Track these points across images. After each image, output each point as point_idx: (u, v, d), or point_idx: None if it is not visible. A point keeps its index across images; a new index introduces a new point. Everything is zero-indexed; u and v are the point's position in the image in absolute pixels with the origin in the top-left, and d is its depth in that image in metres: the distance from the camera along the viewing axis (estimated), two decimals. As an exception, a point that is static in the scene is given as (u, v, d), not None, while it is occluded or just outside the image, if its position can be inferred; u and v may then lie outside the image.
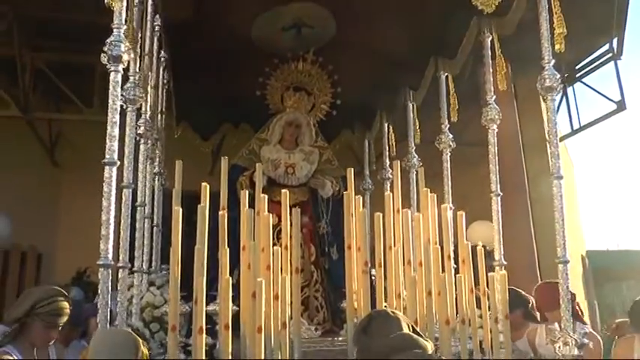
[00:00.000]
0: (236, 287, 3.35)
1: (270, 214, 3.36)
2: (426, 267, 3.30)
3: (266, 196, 3.50)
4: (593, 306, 9.64)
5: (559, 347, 3.05)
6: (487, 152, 3.96)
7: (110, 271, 2.84)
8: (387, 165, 5.30)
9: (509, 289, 3.99)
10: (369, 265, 3.28)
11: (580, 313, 4.14)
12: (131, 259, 3.85)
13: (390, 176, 5.04)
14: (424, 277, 3.20)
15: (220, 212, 3.40)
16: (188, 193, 3.49)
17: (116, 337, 2.39)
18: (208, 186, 3.41)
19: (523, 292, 4.30)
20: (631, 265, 11.96)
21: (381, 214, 3.41)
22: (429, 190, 3.63)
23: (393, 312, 2.60)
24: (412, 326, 2.58)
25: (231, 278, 3.34)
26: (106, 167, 2.90)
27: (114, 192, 2.89)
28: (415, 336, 2.48)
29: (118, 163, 2.94)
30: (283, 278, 3.01)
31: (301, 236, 4.39)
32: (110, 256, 2.83)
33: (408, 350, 2.38)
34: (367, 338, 2.47)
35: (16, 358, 2.87)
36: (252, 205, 3.46)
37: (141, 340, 2.47)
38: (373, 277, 3.51)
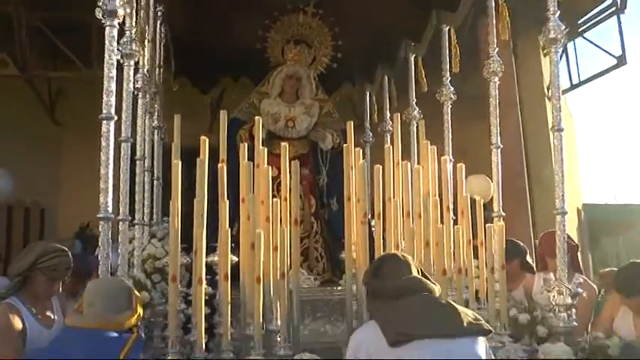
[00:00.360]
0: (236, 239, 3.40)
1: (270, 167, 3.37)
2: (425, 218, 3.33)
3: (265, 149, 3.51)
4: (587, 258, 9.75)
5: (553, 296, 3.10)
6: (484, 107, 3.94)
7: (110, 224, 2.86)
8: (388, 117, 5.28)
9: (507, 240, 4.05)
10: (369, 216, 3.31)
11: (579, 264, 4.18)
12: (132, 213, 3.90)
13: (391, 129, 5.03)
14: (422, 228, 3.23)
15: (219, 165, 3.42)
16: (188, 148, 3.50)
17: (110, 284, 2.41)
18: (207, 140, 3.42)
19: (521, 243, 4.34)
20: (627, 218, 12.03)
21: (381, 167, 3.42)
22: (428, 142, 3.64)
23: (403, 255, 2.65)
24: (421, 270, 2.63)
25: (231, 230, 3.40)
26: (104, 122, 2.91)
27: (112, 146, 2.90)
28: (424, 279, 2.54)
29: (116, 117, 2.95)
30: (282, 229, 3.02)
31: (301, 188, 4.42)
32: (110, 209, 2.86)
33: (417, 293, 2.44)
34: (378, 281, 2.53)
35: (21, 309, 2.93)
36: (252, 158, 3.48)
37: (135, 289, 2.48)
38: (373, 229, 3.54)
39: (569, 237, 3.43)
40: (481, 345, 2.41)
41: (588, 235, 10.54)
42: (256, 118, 3.71)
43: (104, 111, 2.89)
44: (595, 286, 4.25)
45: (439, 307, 2.43)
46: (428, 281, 2.54)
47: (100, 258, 2.88)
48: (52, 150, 8.19)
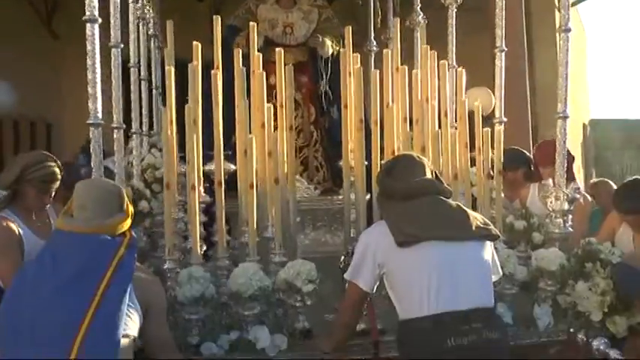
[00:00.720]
0: (234, 147, 3.36)
1: (264, 72, 3.29)
2: (422, 124, 3.27)
3: (261, 55, 3.41)
4: (591, 173, 9.67)
5: (551, 202, 3.07)
6: (488, 19, 3.78)
7: (100, 130, 2.82)
8: (391, 24, 5.10)
9: (512, 148, 3.99)
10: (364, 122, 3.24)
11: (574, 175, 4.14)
12: (130, 122, 3.87)
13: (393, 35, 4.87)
14: (418, 134, 3.17)
15: (213, 71, 3.34)
16: (185, 60, 3.40)
17: (101, 187, 2.31)
18: (205, 48, 3.33)
19: (526, 152, 4.28)
20: (636, 135, 11.83)
21: (378, 72, 3.31)
22: (428, 47, 3.52)
23: (418, 157, 2.60)
24: (435, 173, 2.59)
25: (231, 138, 3.37)
26: (87, 24, 2.80)
27: (97, 50, 2.81)
28: (437, 181, 2.51)
29: (100, 20, 2.83)
30: (274, 135, 2.97)
31: (301, 96, 4.34)
32: (100, 115, 2.80)
33: (429, 195, 2.41)
34: (390, 180, 2.49)
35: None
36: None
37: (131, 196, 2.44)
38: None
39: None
40: (488, 249, 2.42)
41: (594, 150, 10.41)
42: (251, 23, 3.58)
43: (87, 13, 2.78)
44: (589, 197, 4.22)
45: (449, 210, 2.41)
46: (441, 184, 2.52)
47: (92, 165, 2.85)
48: (53, 64, 8.03)
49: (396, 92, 3.37)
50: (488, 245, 2.42)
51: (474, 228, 2.36)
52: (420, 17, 4.66)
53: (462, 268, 2.29)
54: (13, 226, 2.83)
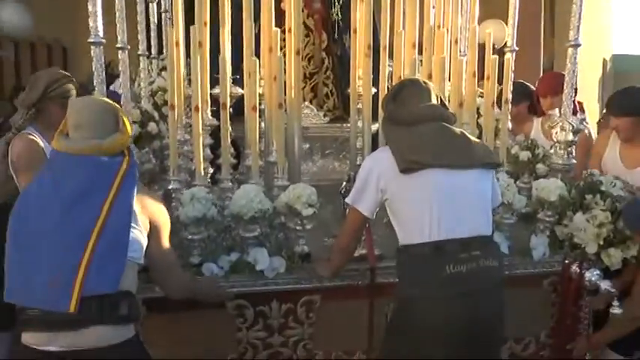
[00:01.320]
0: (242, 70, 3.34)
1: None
2: (430, 51, 3.21)
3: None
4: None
5: (556, 132, 3.04)
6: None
7: (101, 49, 2.79)
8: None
9: (516, 82, 3.94)
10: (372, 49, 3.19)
11: (579, 109, 4.08)
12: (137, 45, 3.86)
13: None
14: (425, 60, 3.12)
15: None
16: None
17: (95, 106, 2.22)
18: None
19: (530, 86, 4.21)
20: None
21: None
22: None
23: (425, 82, 2.56)
24: (441, 99, 2.56)
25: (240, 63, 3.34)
26: None
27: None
28: (443, 108, 2.49)
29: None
30: (277, 59, 2.94)
31: (313, 22, 4.27)
32: (101, 33, 2.77)
33: (433, 121, 2.40)
34: (395, 105, 2.47)
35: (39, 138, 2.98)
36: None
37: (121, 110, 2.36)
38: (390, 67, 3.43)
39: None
40: (489, 177, 2.43)
41: (613, 86, 10.18)
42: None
43: None
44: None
45: (453, 137, 2.39)
46: (446, 110, 2.50)
47: (95, 84, 2.86)
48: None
49: (406, 18, 3.30)
50: (490, 173, 2.43)
51: (476, 156, 2.37)
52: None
53: (464, 195, 2.31)
54: (40, 141, 2.94)
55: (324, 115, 4.18)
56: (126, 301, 2.03)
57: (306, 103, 4.10)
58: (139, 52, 3.93)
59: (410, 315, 2.29)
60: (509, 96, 3.28)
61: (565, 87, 3.02)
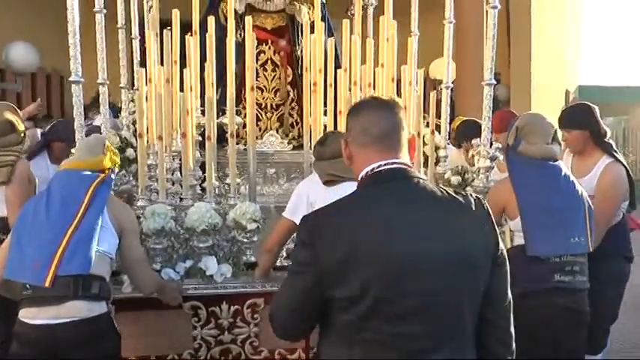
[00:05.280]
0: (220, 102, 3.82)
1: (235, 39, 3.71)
2: (374, 88, 3.71)
3: (249, 18, 3.81)
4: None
5: (477, 159, 3.48)
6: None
7: (80, 87, 3.29)
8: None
9: (470, 119, 4.42)
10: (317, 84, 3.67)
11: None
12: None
13: (374, 2, 5.20)
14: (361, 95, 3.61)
15: (187, 36, 3.78)
16: (183, 21, 3.86)
17: (91, 138, 2.94)
18: (179, 12, 3.78)
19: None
20: (622, 100, 11.98)
21: (333, 39, 3.74)
22: (387, 17, 3.91)
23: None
24: None
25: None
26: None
27: (77, 17, 3.25)
28: None
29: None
30: (232, 94, 3.42)
31: (279, 58, 4.75)
32: (80, 73, 3.27)
33: None
34: (322, 147, 3.06)
35: None
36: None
37: (108, 141, 2.95)
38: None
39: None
40: None
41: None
42: (228, -8, 4.01)
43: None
44: None
45: None
46: None
47: (74, 116, 3.33)
48: (61, 18, 8.53)
49: (351, 58, 3.79)
50: None
51: None
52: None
53: None
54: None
55: (289, 143, 4.63)
56: (97, 283, 2.55)
57: (273, 131, 4.54)
58: (121, 85, 4.40)
59: None
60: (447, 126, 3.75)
61: (482, 120, 3.47)
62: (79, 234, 2.55)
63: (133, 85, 4.75)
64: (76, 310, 2.46)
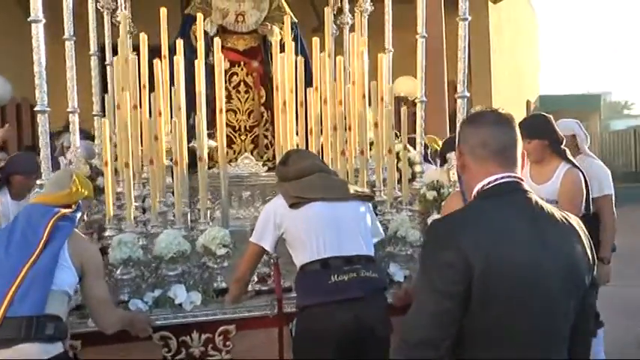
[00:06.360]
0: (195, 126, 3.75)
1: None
2: (345, 104, 3.66)
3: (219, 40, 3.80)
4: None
5: (453, 173, 3.43)
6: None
7: (47, 116, 3.22)
8: (347, 9, 5.39)
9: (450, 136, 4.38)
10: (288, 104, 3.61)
11: None
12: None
13: (350, 21, 5.17)
14: (333, 114, 3.55)
15: (155, 60, 3.71)
16: (155, 46, 3.80)
17: (59, 172, 2.94)
18: (146, 36, 3.72)
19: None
20: (581, 108, 12.17)
21: (302, 58, 3.70)
22: (356, 35, 3.89)
23: (307, 150, 3.22)
24: (322, 161, 3.20)
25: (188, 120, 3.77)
26: (32, 25, 3.19)
27: (42, 48, 3.18)
28: (322, 164, 3.09)
29: (44, 20, 3.19)
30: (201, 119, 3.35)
31: (252, 80, 4.69)
32: (46, 102, 3.19)
33: (314, 173, 2.93)
34: (285, 167, 3.03)
35: None
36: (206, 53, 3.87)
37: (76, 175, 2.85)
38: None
39: None
40: (364, 207, 2.96)
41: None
42: (199, 15, 3.98)
43: (32, 14, 3.14)
44: None
45: (331, 180, 3.00)
46: (325, 165, 3.09)
47: (40, 146, 3.24)
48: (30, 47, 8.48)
49: (320, 76, 3.74)
50: (365, 204, 2.96)
51: (352, 191, 2.93)
52: (368, 4, 4.97)
53: (345, 222, 2.84)
54: None
55: (264, 165, 4.55)
56: (52, 323, 2.42)
57: (247, 153, 4.46)
58: (93, 113, 4.33)
59: (307, 322, 2.75)
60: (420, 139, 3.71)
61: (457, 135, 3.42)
62: (33, 272, 2.44)
63: (104, 111, 4.69)
64: (29, 353, 2.33)
